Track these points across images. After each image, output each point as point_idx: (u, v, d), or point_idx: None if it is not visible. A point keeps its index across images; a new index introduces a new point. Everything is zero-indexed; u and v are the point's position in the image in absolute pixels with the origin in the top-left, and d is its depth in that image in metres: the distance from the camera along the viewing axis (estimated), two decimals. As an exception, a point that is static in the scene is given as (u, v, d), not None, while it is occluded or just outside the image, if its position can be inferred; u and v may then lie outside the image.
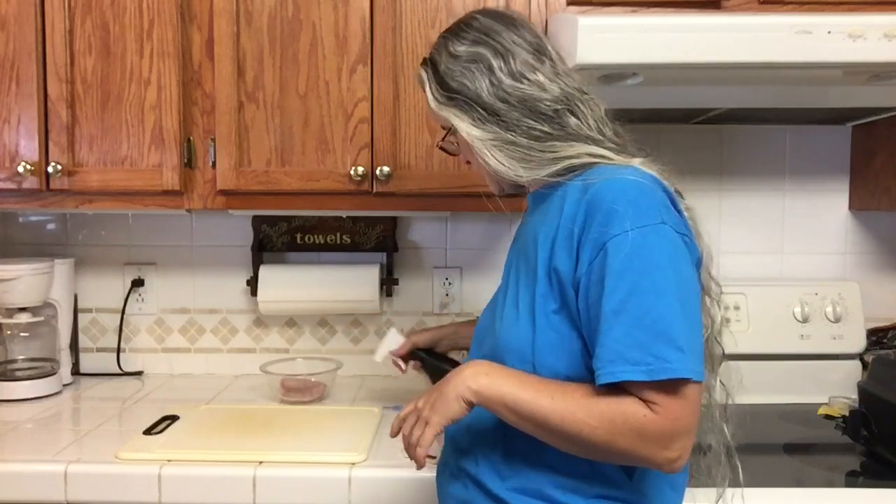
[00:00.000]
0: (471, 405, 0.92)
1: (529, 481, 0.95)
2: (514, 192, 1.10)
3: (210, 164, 1.53)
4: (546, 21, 1.48)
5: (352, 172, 1.49)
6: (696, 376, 0.83)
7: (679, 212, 0.94)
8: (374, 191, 1.51)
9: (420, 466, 0.97)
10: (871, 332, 1.76)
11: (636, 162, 0.95)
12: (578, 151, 0.95)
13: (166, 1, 1.50)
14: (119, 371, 1.87)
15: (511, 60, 0.98)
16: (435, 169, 1.51)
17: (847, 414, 1.46)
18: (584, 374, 0.90)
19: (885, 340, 1.77)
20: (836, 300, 1.73)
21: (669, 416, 0.82)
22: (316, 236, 1.86)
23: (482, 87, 0.98)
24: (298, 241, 1.86)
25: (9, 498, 1.26)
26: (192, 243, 1.90)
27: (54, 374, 1.71)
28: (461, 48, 1.00)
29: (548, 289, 0.93)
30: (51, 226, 1.90)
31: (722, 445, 1.04)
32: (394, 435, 1.01)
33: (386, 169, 1.49)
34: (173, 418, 1.49)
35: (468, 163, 1.09)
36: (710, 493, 1.06)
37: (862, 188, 1.80)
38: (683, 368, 0.82)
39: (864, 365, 1.71)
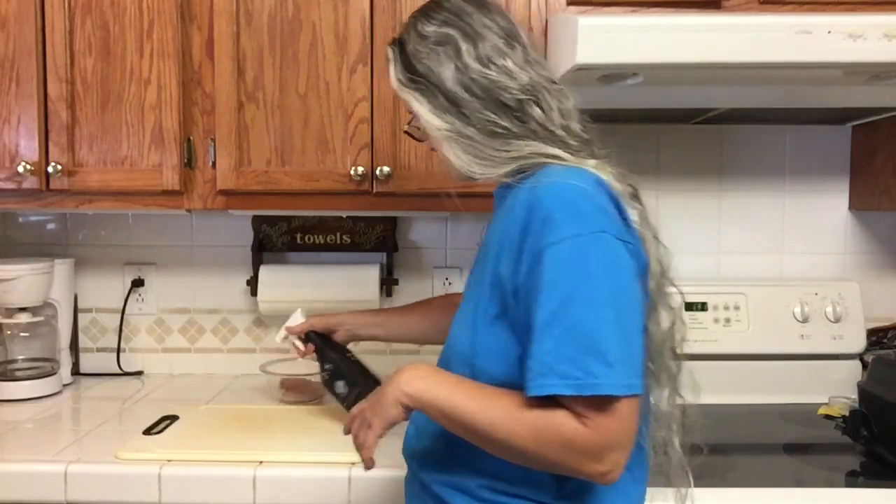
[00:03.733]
0: (408, 409, 0.92)
1: (461, 479, 0.96)
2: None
3: (210, 164, 1.53)
4: (546, 21, 1.48)
5: (352, 172, 1.49)
6: (625, 391, 0.81)
7: (625, 218, 0.91)
8: (374, 191, 1.51)
9: (367, 467, 0.99)
10: (871, 332, 1.76)
11: (590, 164, 0.93)
12: (532, 151, 0.93)
13: (166, 1, 1.50)
14: (119, 371, 1.87)
15: (480, 44, 0.95)
16: (435, 169, 1.51)
17: (847, 414, 1.46)
18: (521, 381, 0.87)
19: (885, 340, 1.77)
20: (836, 300, 1.73)
21: (599, 431, 0.81)
22: (316, 236, 1.86)
23: (447, 72, 0.96)
24: (298, 241, 1.86)
25: (9, 498, 1.26)
26: (192, 243, 1.90)
27: (54, 374, 1.71)
28: (430, 28, 0.98)
29: (490, 294, 0.92)
30: (51, 226, 1.90)
31: (679, 448, 1.01)
32: (346, 433, 1.02)
33: (386, 169, 1.49)
34: (173, 418, 1.49)
35: (433, 150, 1.05)
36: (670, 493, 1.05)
37: (862, 188, 1.80)
38: (610, 384, 0.80)
39: (864, 365, 1.70)
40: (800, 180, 1.85)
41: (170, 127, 1.51)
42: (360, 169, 1.49)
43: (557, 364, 0.81)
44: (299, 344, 1.44)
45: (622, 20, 1.29)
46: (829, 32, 1.21)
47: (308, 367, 1.71)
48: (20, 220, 1.90)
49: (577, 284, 0.82)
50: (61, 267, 1.76)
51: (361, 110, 1.50)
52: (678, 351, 1.00)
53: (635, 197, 0.96)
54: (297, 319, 1.45)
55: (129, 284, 1.88)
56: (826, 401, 1.64)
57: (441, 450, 0.98)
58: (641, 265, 0.91)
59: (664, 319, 0.97)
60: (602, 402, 0.81)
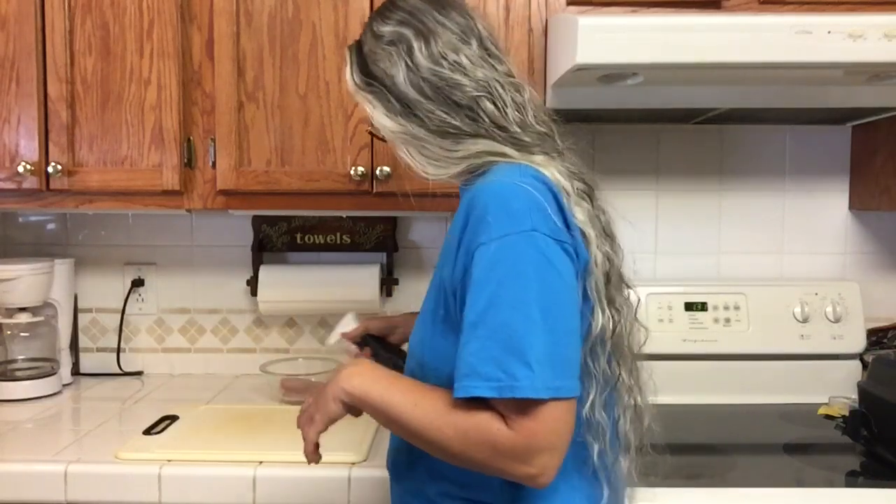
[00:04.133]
0: (346, 405, 0.93)
1: (422, 485, 0.97)
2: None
3: (210, 164, 1.53)
4: (546, 21, 1.48)
5: (352, 172, 1.49)
6: (549, 394, 0.79)
7: (565, 216, 0.87)
8: (374, 191, 1.51)
9: (310, 461, 1.00)
10: (871, 332, 1.76)
11: (536, 160, 0.91)
12: (480, 150, 0.92)
13: (166, 1, 1.50)
14: (119, 371, 1.87)
15: (433, 41, 0.94)
16: (435, 169, 1.51)
17: (847, 414, 1.46)
18: None
19: (885, 340, 1.77)
20: (836, 300, 1.73)
21: (522, 433, 0.79)
22: (316, 236, 1.86)
23: (399, 73, 0.95)
24: (298, 241, 1.86)
25: (9, 498, 1.26)
26: (192, 243, 1.90)
27: (54, 374, 1.71)
28: (385, 28, 0.97)
29: (436, 296, 0.93)
30: (51, 226, 1.90)
31: (631, 447, 0.99)
32: (298, 427, 1.02)
33: (386, 169, 1.49)
34: (173, 418, 1.49)
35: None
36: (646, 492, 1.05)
37: (862, 188, 1.80)
38: (530, 387, 0.78)
39: (864, 365, 1.70)
40: (800, 180, 1.85)
41: (170, 127, 1.51)
42: (360, 169, 1.49)
43: (481, 365, 0.80)
44: (354, 348, 1.39)
45: (622, 20, 1.29)
46: (829, 32, 1.21)
47: (308, 367, 1.72)
48: (20, 220, 1.90)
49: (503, 284, 0.81)
50: (61, 267, 1.76)
51: (361, 110, 1.49)
52: (631, 352, 0.97)
53: (585, 194, 0.93)
54: (349, 324, 1.40)
55: (129, 284, 1.88)
56: (826, 401, 1.64)
57: (405, 457, 0.99)
58: (582, 264, 0.88)
59: (606, 320, 0.91)
60: (525, 405, 0.79)
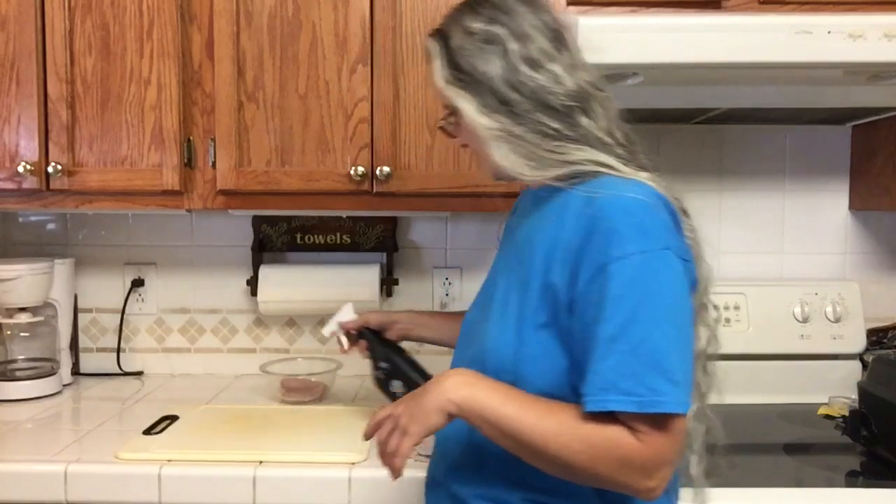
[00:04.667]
0: (451, 417, 0.88)
1: (495, 490, 0.94)
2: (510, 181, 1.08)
3: (210, 164, 1.53)
4: (546, 21, 1.48)
5: (352, 172, 1.49)
6: (685, 409, 0.82)
7: (681, 234, 0.90)
8: (374, 191, 1.51)
9: (396, 477, 0.93)
10: (871, 332, 1.76)
11: (643, 176, 0.91)
12: (586, 157, 0.91)
13: (166, 1, 1.50)
14: (119, 371, 1.87)
15: (528, 45, 0.93)
16: (435, 169, 1.51)
17: (847, 414, 1.45)
18: (566, 392, 0.88)
19: (885, 340, 1.77)
20: (836, 300, 1.73)
21: (654, 447, 0.81)
22: (316, 236, 1.86)
23: (495, 71, 0.92)
24: (298, 241, 1.86)
25: (9, 498, 1.26)
26: (192, 243, 1.90)
27: (54, 374, 1.71)
28: (476, 25, 0.94)
29: (539, 302, 0.90)
30: (51, 226, 1.90)
31: (704, 449, 1.00)
32: (366, 438, 0.97)
33: (386, 169, 1.49)
34: (173, 418, 1.49)
35: (465, 146, 1.04)
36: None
37: (862, 188, 1.80)
38: (674, 402, 0.80)
39: (864, 365, 1.70)
40: (800, 180, 1.85)
41: (170, 127, 1.51)
42: (360, 169, 1.49)
43: (620, 380, 0.80)
44: (345, 340, 1.39)
45: (622, 20, 1.29)
46: (829, 32, 1.21)
47: (308, 367, 1.71)
48: (20, 220, 1.90)
49: (643, 301, 0.82)
50: (61, 267, 1.76)
51: (361, 110, 1.50)
52: (710, 366, 0.99)
53: (685, 212, 0.94)
54: (348, 314, 1.38)
55: (129, 284, 1.88)
56: (826, 401, 1.64)
57: (474, 460, 0.96)
58: (692, 282, 0.91)
59: (702, 336, 0.95)
60: (661, 420, 0.81)
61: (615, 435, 0.81)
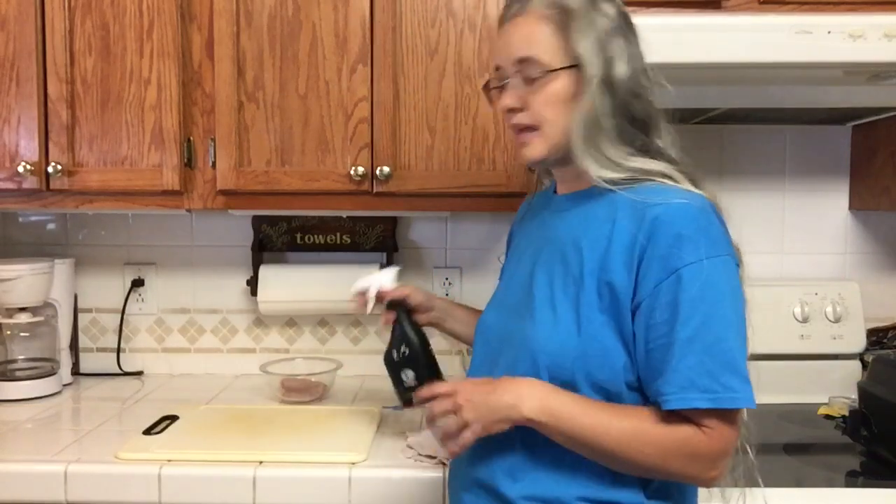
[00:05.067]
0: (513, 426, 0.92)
1: (545, 488, 0.94)
2: (543, 169, 1.12)
3: (210, 164, 1.53)
4: (546, 21, 1.48)
5: (352, 172, 1.49)
6: (754, 404, 0.88)
7: (731, 240, 0.96)
8: (374, 191, 1.51)
9: (452, 457, 0.98)
10: (871, 332, 1.76)
11: (699, 187, 0.96)
12: (653, 169, 0.95)
13: (166, 1, 1.50)
14: (119, 371, 1.87)
15: (638, 54, 0.98)
16: (435, 169, 1.52)
17: (847, 414, 1.45)
18: (621, 388, 0.92)
19: (885, 340, 1.77)
20: (836, 300, 1.73)
21: (721, 439, 0.87)
22: (316, 236, 1.86)
23: (615, 59, 0.94)
24: (298, 241, 1.86)
25: (9, 498, 1.26)
26: (192, 243, 1.90)
27: (54, 374, 1.71)
28: (610, 10, 0.96)
29: (596, 299, 0.92)
30: (51, 226, 1.90)
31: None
32: (420, 402, 1.01)
33: (386, 169, 1.49)
34: (173, 418, 1.49)
35: (513, 110, 0.99)
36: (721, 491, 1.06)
37: (862, 188, 1.80)
38: (746, 398, 0.87)
39: (864, 365, 1.70)
40: (800, 180, 1.85)
41: (170, 127, 1.51)
42: (360, 169, 1.49)
43: (699, 379, 0.86)
44: (372, 302, 1.26)
45: (622, 20, 1.29)
46: (829, 32, 1.21)
47: (308, 367, 1.71)
48: (20, 220, 1.90)
49: (715, 304, 0.87)
50: (61, 267, 1.76)
51: (361, 110, 1.50)
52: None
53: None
54: (389, 280, 1.27)
55: (129, 284, 1.88)
56: (826, 401, 1.64)
57: (528, 461, 0.96)
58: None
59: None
60: (731, 414, 0.88)
61: (687, 435, 0.87)
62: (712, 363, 0.86)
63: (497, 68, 1.02)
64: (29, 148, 1.51)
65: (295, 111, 1.51)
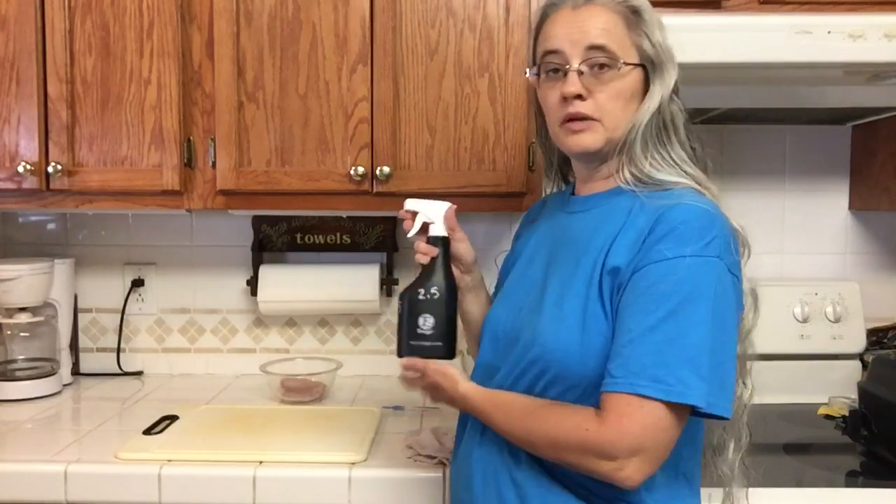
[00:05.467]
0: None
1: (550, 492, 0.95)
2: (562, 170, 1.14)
3: (210, 164, 1.53)
4: (546, 21, 1.48)
5: (352, 172, 1.49)
6: (709, 407, 0.85)
7: (737, 252, 0.95)
8: (374, 191, 1.51)
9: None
10: (871, 332, 1.76)
11: (722, 205, 0.97)
12: (698, 177, 0.98)
13: (166, 1, 1.49)
14: (119, 371, 1.87)
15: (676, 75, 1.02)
16: (435, 169, 1.51)
17: (847, 414, 1.45)
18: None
19: (885, 340, 1.77)
20: (836, 300, 1.73)
21: (617, 429, 0.85)
22: (316, 236, 1.86)
23: (675, 63, 0.99)
24: (298, 241, 1.86)
25: (9, 498, 1.26)
26: (192, 243, 1.90)
27: (54, 374, 1.71)
28: (663, 27, 1.00)
29: (598, 293, 0.93)
30: (51, 226, 1.90)
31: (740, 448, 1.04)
32: (403, 367, 1.06)
33: (386, 169, 1.49)
34: (173, 418, 1.49)
35: (579, 97, 0.97)
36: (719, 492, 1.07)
37: (862, 188, 1.80)
38: (696, 395, 0.84)
39: (864, 365, 1.70)
40: (800, 180, 1.85)
41: (170, 127, 1.51)
42: (360, 169, 1.49)
43: (653, 368, 0.85)
44: (417, 229, 1.14)
45: (622, 20, 1.29)
46: (829, 32, 1.22)
47: (308, 367, 1.71)
48: (20, 220, 1.90)
49: (689, 302, 0.86)
50: (61, 267, 1.76)
51: (361, 110, 1.50)
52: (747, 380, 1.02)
53: (746, 246, 0.99)
54: (441, 212, 1.13)
55: (129, 284, 1.88)
56: (826, 401, 1.64)
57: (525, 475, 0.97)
58: (738, 300, 0.94)
59: (745, 347, 1.00)
60: (681, 411, 0.85)
61: (578, 419, 0.88)
62: (672, 356, 0.84)
63: (552, 52, 1.00)
64: (29, 148, 1.51)
65: (295, 111, 1.51)
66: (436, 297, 1.08)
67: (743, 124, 1.83)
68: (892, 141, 1.69)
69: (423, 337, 1.07)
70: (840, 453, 1.42)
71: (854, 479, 1.34)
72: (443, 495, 1.24)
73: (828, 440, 1.48)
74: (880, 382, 1.39)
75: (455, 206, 1.13)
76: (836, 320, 1.72)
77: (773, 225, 1.85)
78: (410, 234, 1.14)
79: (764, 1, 1.45)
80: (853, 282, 1.77)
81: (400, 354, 1.08)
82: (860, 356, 1.73)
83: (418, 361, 1.05)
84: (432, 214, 1.12)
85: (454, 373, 1.03)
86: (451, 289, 1.10)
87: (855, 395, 1.48)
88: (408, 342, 1.08)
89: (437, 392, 1.04)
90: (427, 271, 1.11)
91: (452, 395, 1.02)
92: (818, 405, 1.63)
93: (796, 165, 1.84)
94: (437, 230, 1.12)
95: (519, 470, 0.97)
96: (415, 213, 1.13)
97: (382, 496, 1.25)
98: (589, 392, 0.91)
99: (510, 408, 0.96)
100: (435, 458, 1.28)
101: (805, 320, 1.71)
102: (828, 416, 1.58)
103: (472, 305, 1.20)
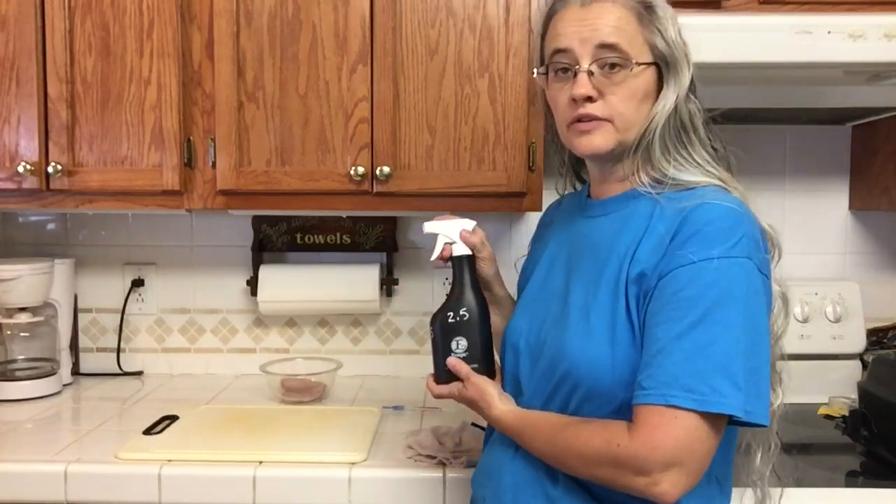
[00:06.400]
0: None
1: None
2: (573, 169, 1.12)
3: (210, 164, 1.53)
4: (546, 21, 1.48)
5: (352, 172, 1.49)
6: (746, 415, 0.82)
7: (766, 251, 0.93)
8: (374, 191, 1.51)
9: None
10: (871, 332, 1.76)
11: (747, 202, 0.95)
12: (703, 181, 0.95)
13: (166, 1, 1.49)
14: (119, 371, 1.87)
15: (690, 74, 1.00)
16: (435, 169, 1.51)
17: (847, 414, 1.45)
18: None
19: (885, 340, 1.77)
20: (836, 300, 1.73)
21: (649, 442, 0.81)
22: (316, 236, 1.86)
23: (691, 62, 0.98)
24: (298, 241, 1.86)
25: (9, 498, 1.26)
26: (192, 243, 1.90)
27: (54, 374, 1.71)
28: (677, 24, 0.98)
29: (624, 303, 0.90)
30: (51, 226, 1.90)
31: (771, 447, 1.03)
32: (435, 383, 1.06)
33: (386, 169, 1.49)
34: (173, 418, 1.49)
35: (589, 99, 0.94)
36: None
37: (862, 188, 1.80)
38: (733, 405, 0.81)
39: (864, 365, 1.70)
40: (800, 180, 1.85)
41: (170, 127, 1.51)
42: (360, 169, 1.49)
43: (685, 377, 0.81)
44: (438, 253, 1.11)
45: (622, 20, 1.29)
46: (829, 32, 1.22)
47: (308, 367, 1.71)
48: (20, 220, 1.90)
49: (716, 304, 0.83)
50: (61, 267, 1.76)
51: (361, 110, 1.50)
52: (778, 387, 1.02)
53: (774, 243, 0.98)
54: (457, 231, 1.11)
55: (129, 284, 1.88)
56: (826, 401, 1.64)
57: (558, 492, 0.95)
58: (768, 300, 0.93)
59: (777, 350, 1.00)
60: (717, 420, 0.82)
61: (609, 433, 0.85)
62: (703, 363, 0.81)
63: (561, 51, 0.96)
64: (29, 148, 1.51)
65: (295, 111, 1.51)
66: (465, 318, 1.06)
67: (743, 124, 1.82)
68: (892, 141, 1.68)
69: (455, 355, 1.05)
70: (840, 453, 1.42)
71: (854, 479, 1.34)
72: (443, 495, 1.24)
73: (828, 440, 1.48)
74: (880, 382, 1.39)
75: (474, 223, 1.11)
76: (837, 320, 1.72)
77: (773, 225, 1.85)
78: (433, 259, 1.12)
79: (764, 1, 1.45)
80: (853, 282, 1.77)
81: (437, 381, 1.06)
82: (860, 356, 1.73)
83: (462, 368, 1.03)
84: (452, 234, 1.10)
85: (492, 393, 1.01)
86: (482, 308, 1.07)
87: (855, 395, 1.48)
88: (444, 368, 1.05)
89: (473, 407, 1.03)
90: (454, 293, 1.09)
91: (487, 416, 1.01)
92: (818, 405, 1.63)
93: (796, 165, 1.84)
94: (459, 249, 1.10)
95: (555, 488, 0.93)
96: (448, 233, 1.11)
97: (382, 496, 1.25)
98: (626, 407, 0.87)
99: (540, 429, 0.93)
100: (435, 458, 1.28)
101: (805, 320, 1.71)
102: (828, 416, 1.58)
103: (494, 318, 1.15)
